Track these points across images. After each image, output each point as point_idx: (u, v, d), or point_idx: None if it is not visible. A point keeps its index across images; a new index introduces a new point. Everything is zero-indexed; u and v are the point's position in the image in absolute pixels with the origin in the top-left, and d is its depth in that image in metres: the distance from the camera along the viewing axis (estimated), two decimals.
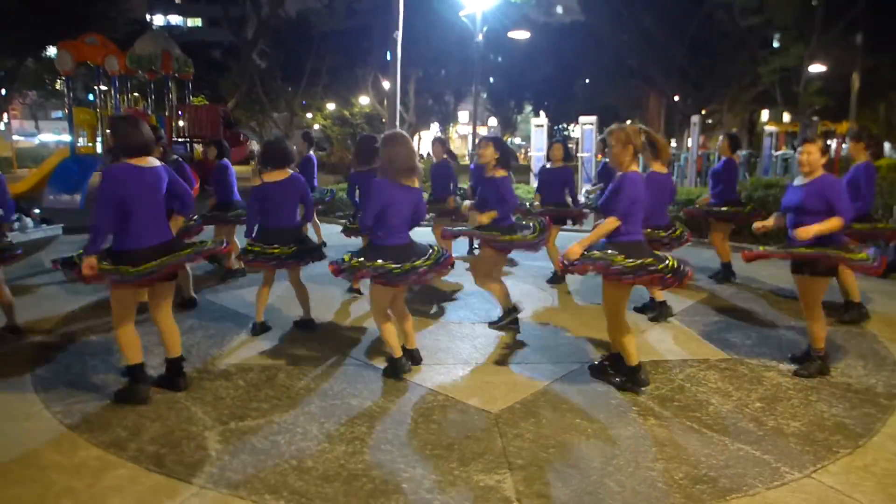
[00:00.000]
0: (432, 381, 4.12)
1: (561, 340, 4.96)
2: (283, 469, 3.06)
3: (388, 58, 15.93)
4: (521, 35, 19.64)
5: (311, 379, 4.16)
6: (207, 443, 3.31)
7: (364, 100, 29.93)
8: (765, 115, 33.61)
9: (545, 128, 14.64)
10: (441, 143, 7.39)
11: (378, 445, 3.29)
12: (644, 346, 4.83)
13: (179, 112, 16.60)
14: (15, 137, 36.04)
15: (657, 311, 5.45)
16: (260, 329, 5.04)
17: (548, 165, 6.85)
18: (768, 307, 5.98)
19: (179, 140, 16.25)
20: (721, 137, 6.79)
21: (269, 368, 4.34)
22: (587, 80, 32.85)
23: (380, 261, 3.84)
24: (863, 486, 2.93)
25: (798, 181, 4.20)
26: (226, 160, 6.82)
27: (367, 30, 23.78)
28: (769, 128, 17.55)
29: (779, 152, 16.23)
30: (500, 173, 4.82)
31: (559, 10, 48.21)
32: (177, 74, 16.05)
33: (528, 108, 47.64)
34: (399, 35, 11.78)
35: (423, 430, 3.46)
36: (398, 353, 4.15)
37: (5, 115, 32.74)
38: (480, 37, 13.81)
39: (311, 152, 8.15)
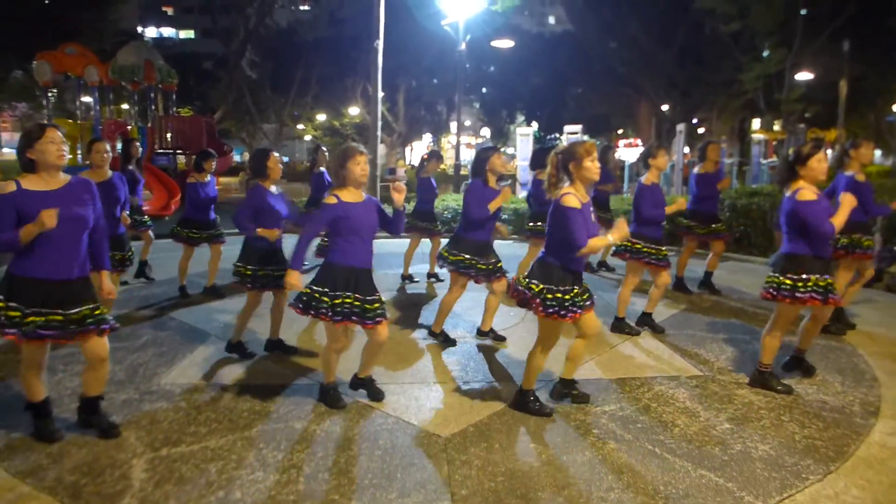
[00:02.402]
0: (385, 401, 3.89)
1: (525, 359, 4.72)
2: (208, 501, 2.83)
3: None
4: (505, 44, 19.55)
5: (258, 401, 3.93)
6: (133, 472, 3.08)
7: (354, 110, 29.85)
8: (756, 122, 33.61)
9: (531, 137, 14.48)
10: (436, 157, 7.31)
11: (315, 474, 3.07)
12: (612, 361, 4.63)
13: (169, 124, 16.42)
14: (5, 150, 35.92)
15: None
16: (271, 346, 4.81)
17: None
18: (746, 320, 5.78)
19: (162, 151, 16.07)
20: (705, 147, 6.52)
21: (215, 389, 4.12)
22: (579, 90, 32.81)
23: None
24: None
25: None
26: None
27: (355, 39, 23.70)
28: (758, 135, 17.44)
29: (767, 160, 16.08)
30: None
31: (551, 20, 48.37)
32: (160, 85, 15.92)
33: (522, 118, 47.66)
34: (380, 44, 11.68)
35: (366, 456, 3.24)
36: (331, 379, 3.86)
37: None
38: (463, 46, 13.70)
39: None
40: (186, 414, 3.74)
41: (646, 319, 5.35)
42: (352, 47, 24.57)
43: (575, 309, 3.46)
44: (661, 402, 3.91)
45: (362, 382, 3.94)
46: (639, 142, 23.69)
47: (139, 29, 37.44)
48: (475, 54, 30.90)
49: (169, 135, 16.18)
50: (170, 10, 51.80)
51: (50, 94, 26.37)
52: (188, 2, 45.68)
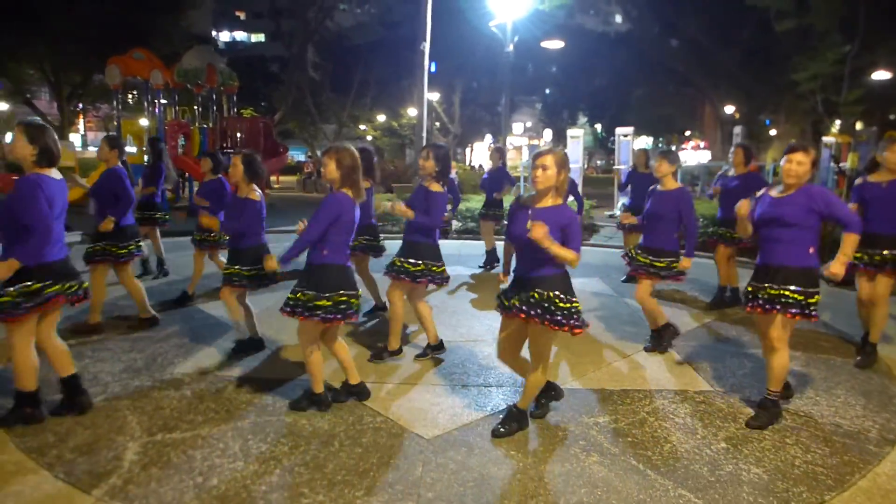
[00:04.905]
0: (378, 401, 3.94)
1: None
2: (186, 485, 2.96)
3: (434, 69, 15.84)
4: (555, 44, 19.29)
5: (259, 393, 4.06)
6: (125, 453, 3.26)
7: (412, 111, 30.28)
8: (837, 124, 31.61)
9: (581, 140, 14.23)
10: (498, 152, 8.24)
11: (292, 467, 3.15)
12: (620, 372, 4.51)
13: (228, 125, 17.12)
14: (91, 149, 38.49)
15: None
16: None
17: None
18: None
19: (224, 151, 16.74)
20: (733, 150, 6.29)
21: (221, 380, 4.28)
22: (642, 90, 31.95)
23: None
24: None
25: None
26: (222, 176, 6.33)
27: (410, 42, 24.06)
28: (827, 138, 16.37)
29: (840, 165, 15.08)
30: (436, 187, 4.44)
31: (618, 18, 47.21)
32: (222, 87, 16.64)
33: (584, 119, 46.83)
34: (426, 46, 11.78)
35: (345, 453, 3.29)
36: (319, 388, 3.82)
37: (81, 128, 34.90)
38: (511, 47, 13.63)
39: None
40: (189, 402, 3.91)
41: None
42: (407, 49, 24.92)
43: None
44: (660, 416, 3.77)
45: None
46: (699, 144, 22.80)
47: (213, 33, 39.26)
48: (535, 54, 30.59)
49: (230, 134, 16.89)
50: (242, 15, 54.14)
51: (130, 96, 27.74)
52: (259, 7, 47.56)
